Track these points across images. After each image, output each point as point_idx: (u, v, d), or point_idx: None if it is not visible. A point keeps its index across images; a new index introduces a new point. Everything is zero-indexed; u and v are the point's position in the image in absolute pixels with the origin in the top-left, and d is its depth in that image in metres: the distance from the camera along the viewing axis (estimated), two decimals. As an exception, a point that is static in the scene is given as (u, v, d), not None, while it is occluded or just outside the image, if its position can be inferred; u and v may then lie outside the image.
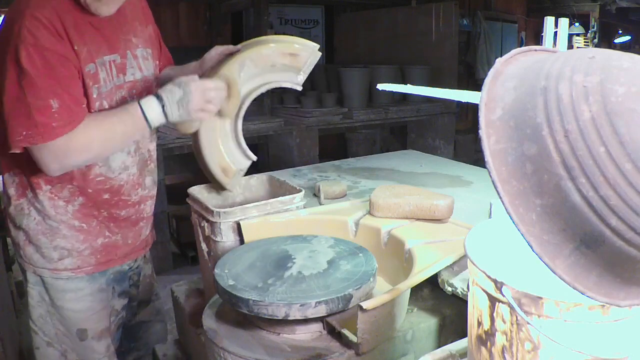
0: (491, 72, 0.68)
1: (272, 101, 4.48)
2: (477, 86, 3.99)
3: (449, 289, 1.25)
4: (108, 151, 1.32)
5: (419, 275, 1.21)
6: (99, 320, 1.47)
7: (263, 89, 1.53)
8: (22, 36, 1.14)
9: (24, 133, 1.16)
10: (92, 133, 1.23)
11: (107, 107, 1.32)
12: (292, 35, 1.62)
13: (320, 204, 1.81)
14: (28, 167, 1.29)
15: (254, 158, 1.58)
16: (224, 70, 1.41)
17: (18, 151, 1.19)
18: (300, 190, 1.58)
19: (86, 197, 1.37)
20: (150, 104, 1.28)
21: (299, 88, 1.53)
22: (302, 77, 1.52)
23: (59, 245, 1.38)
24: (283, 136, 4.20)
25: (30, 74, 1.14)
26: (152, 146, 1.55)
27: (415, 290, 1.33)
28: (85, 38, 1.26)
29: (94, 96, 1.29)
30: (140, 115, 1.27)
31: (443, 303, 1.34)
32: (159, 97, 1.28)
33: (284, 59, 1.49)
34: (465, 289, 1.20)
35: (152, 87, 1.46)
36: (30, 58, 1.14)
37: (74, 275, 1.40)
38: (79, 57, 1.24)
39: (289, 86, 1.53)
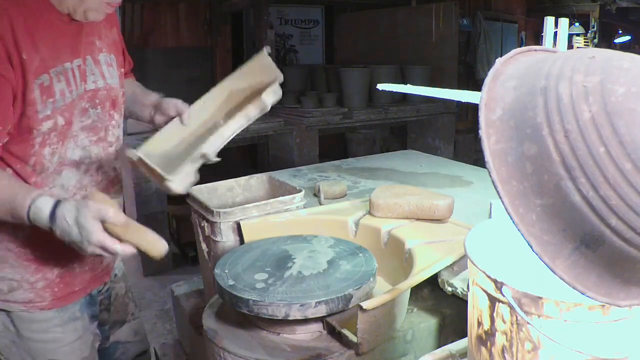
0: (491, 72, 0.68)
1: (272, 101, 4.48)
2: (477, 86, 3.99)
3: (449, 289, 1.25)
4: None
5: (419, 275, 1.21)
6: (72, 351, 1.32)
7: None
8: None
9: None
10: None
11: (63, 123, 1.17)
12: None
13: (320, 204, 1.81)
14: None
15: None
16: (142, 243, 1.10)
17: None
18: (300, 190, 1.58)
19: None
20: (41, 215, 1.05)
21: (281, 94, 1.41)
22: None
23: (6, 277, 1.22)
24: (283, 136, 4.20)
25: None
26: (119, 164, 1.37)
27: (415, 290, 1.33)
28: (42, 44, 1.11)
29: (47, 113, 1.13)
30: (28, 216, 1.06)
31: (443, 303, 1.34)
32: (54, 217, 1.04)
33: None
34: (465, 289, 1.20)
35: (119, 97, 1.32)
36: None
37: (26, 310, 1.25)
38: (25, 68, 1.08)
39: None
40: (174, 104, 1.41)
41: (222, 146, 1.34)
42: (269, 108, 1.37)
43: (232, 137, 1.36)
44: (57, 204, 1.06)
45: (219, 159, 1.31)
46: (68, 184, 1.23)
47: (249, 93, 1.44)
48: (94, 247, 1.05)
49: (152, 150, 1.31)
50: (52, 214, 1.05)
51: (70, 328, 1.32)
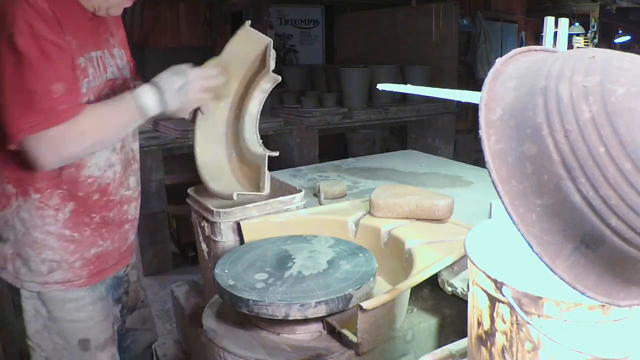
0: (491, 72, 0.68)
1: (272, 101, 4.48)
2: (477, 86, 3.98)
3: (449, 289, 1.25)
4: (102, 141, 1.29)
5: (419, 275, 1.21)
6: (102, 330, 1.40)
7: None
8: (17, 25, 1.11)
9: (28, 121, 1.12)
10: (87, 122, 1.20)
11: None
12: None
13: (320, 204, 1.81)
14: (14, 174, 1.25)
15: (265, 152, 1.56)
16: (215, 60, 1.45)
17: (14, 147, 1.15)
18: (300, 190, 1.58)
19: (77, 202, 1.31)
20: (147, 93, 1.27)
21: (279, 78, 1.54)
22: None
23: (47, 258, 1.29)
24: (283, 136, 4.19)
25: (28, 61, 1.11)
26: (135, 146, 1.51)
27: (415, 290, 1.33)
28: (76, 31, 1.23)
29: (84, 90, 1.26)
30: (135, 103, 1.26)
31: (443, 303, 1.34)
32: (156, 86, 1.28)
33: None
34: (465, 289, 1.20)
35: (131, 88, 1.41)
36: (28, 47, 1.11)
37: (65, 289, 1.33)
38: (71, 48, 1.21)
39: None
40: None
41: (257, 123, 1.56)
42: (280, 78, 1.53)
43: (259, 113, 1.57)
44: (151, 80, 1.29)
45: (277, 153, 1.54)
46: (100, 162, 1.34)
47: (251, 67, 1.55)
48: (196, 82, 1.32)
49: (203, 154, 1.56)
50: (153, 82, 1.29)
51: (99, 307, 1.39)
